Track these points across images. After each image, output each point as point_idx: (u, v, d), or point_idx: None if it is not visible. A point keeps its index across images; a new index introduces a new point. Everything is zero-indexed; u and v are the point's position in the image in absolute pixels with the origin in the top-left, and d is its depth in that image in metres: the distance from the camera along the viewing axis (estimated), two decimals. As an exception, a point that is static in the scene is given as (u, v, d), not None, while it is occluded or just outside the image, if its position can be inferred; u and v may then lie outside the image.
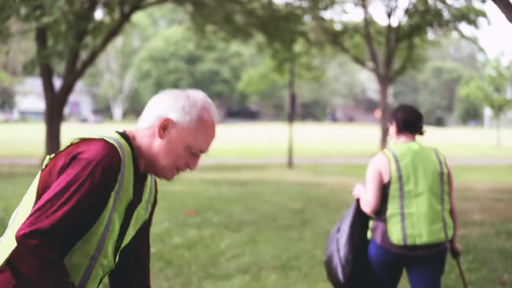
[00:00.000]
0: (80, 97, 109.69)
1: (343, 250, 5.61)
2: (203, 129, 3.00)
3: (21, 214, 2.97)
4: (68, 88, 27.69)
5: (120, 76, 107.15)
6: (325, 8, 32.96)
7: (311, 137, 62.05)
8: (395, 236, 5.32)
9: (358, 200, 5.71)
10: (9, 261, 2.87)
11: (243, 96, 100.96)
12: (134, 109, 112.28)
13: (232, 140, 51.44)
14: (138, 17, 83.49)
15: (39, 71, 28.36)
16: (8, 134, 57.82)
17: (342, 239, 5.66)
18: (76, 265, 2.94)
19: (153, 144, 3.01)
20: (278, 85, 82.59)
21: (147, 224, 3.30)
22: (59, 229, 2.77)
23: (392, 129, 5.61)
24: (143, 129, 3.04)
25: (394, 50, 36.74)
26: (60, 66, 37.92)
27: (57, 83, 29.10)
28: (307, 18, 33.60)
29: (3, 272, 2.89)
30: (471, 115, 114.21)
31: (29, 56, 38.62)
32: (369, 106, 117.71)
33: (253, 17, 28.72)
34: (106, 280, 3.20)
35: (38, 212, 2.77)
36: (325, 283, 8.41)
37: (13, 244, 2.84)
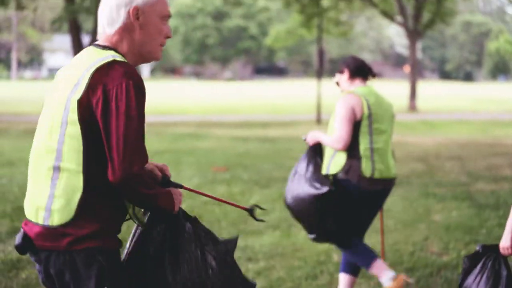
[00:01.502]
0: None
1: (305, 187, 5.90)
2: None
3: (66, 149, 3.02)
4: (96, 45, 27.76)
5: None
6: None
7: (339, 93, 61.70)
8: (367, 170, 5.66)
9: (312, 147, 6.04)
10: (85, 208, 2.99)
11: (271, 52, 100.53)
12: (162, 66, 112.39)
13: (260, 97, 51.34)
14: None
15: (67, 27, 28.45)
16: (37, 92, 58.04)
17: (301, 179, 5.95)
18: None
19: (134, 38, 3.07)
20: (306, 41, 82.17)
21: None
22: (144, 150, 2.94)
23: (344, 76, 6.07)
24: (114, 34, 3.07)
25: (423, 3, 36.41)
26: (88, 23, 37.98)
27: (86, 39, 29.19)
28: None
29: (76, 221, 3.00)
30: (501, 70, 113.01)
31: (56, 12, 38.73)
32: (398, 62, 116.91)
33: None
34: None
35: (122, 155, 2.86)
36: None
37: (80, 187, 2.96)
